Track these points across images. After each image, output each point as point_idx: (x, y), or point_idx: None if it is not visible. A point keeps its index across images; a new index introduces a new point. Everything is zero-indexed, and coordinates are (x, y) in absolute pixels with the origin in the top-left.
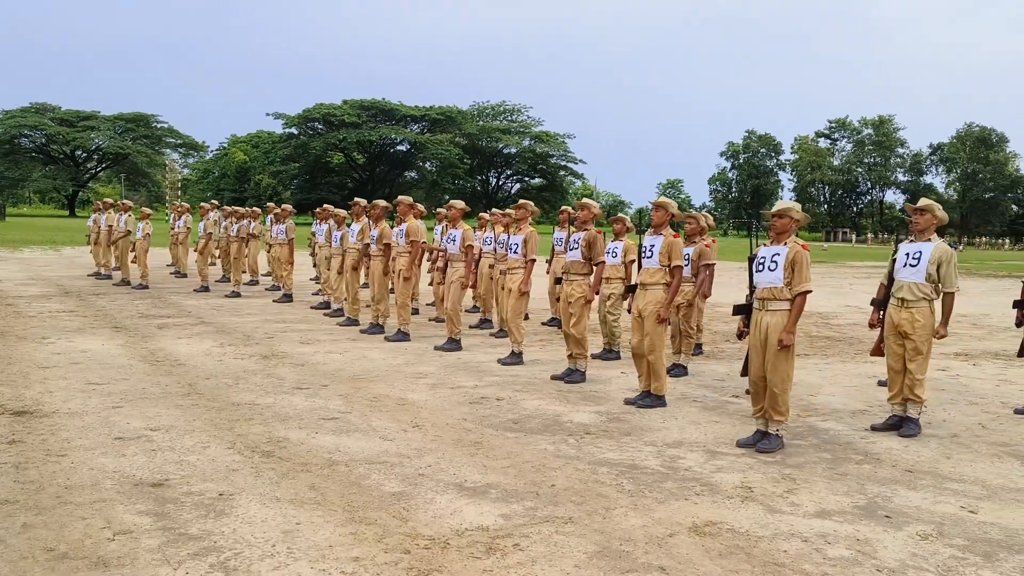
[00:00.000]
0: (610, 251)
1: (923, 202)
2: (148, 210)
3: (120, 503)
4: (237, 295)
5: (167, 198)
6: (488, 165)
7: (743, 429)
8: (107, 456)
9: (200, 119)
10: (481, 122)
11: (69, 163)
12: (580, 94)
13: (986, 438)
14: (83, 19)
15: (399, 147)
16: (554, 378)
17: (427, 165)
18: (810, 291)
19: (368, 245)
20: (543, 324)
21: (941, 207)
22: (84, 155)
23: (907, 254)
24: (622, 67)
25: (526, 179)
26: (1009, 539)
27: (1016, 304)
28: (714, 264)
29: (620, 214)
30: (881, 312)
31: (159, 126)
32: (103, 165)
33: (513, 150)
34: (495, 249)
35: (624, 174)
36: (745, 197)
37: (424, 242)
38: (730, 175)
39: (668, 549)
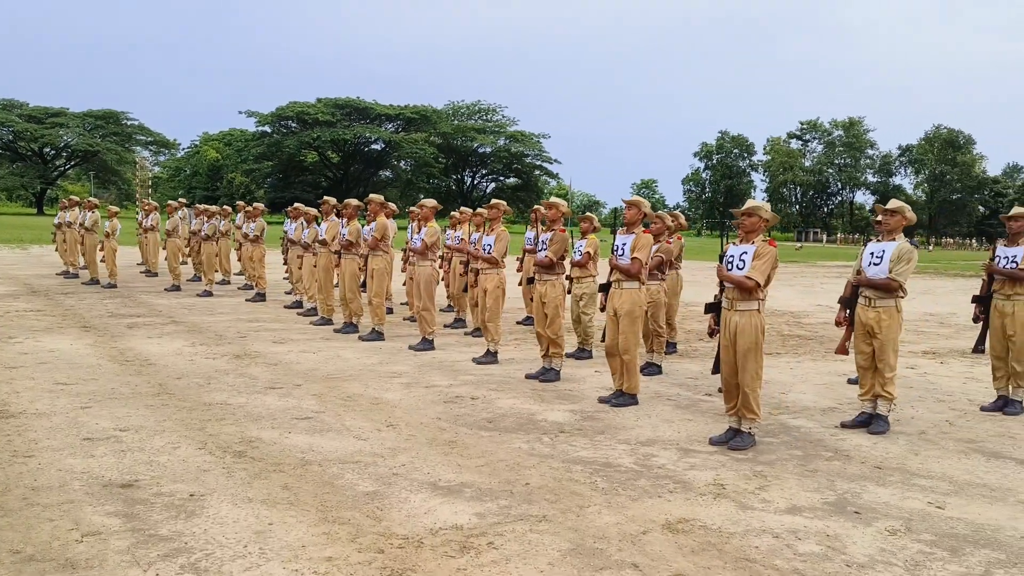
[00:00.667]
0: (577, 250)
1: (894, 203)
2: (115, 208)
3: (88, 504)
4: (209, 294)
5: (137, 196)
6: (463, 164)
7: (716, 427)
8: (75, 457)
9: (171, 117)
10: (456, 121)
11: (37, 160)
12: (555, 94)
13: (953, 435)
14: (51, 15)
15: (373, 146)
16: (529, 377)
17: (402, 164)
18: (757, 282)
19: (324, 243)
20: (518, 323)
21: (911, 208)
22: (52, 152)
23: (872, 253)
24: (598, 68)
25: (501, 178)
26: (975, 534)
27: (975, 299)
28: (673, 258)
29: (588, 213)
30: (848, 311)
31: (129, 123)
32: (72, 162)
33: (488, 149)
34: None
35: (599, 174)
36: (718, 197)
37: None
38: (704, 176)
39: (641, 546)
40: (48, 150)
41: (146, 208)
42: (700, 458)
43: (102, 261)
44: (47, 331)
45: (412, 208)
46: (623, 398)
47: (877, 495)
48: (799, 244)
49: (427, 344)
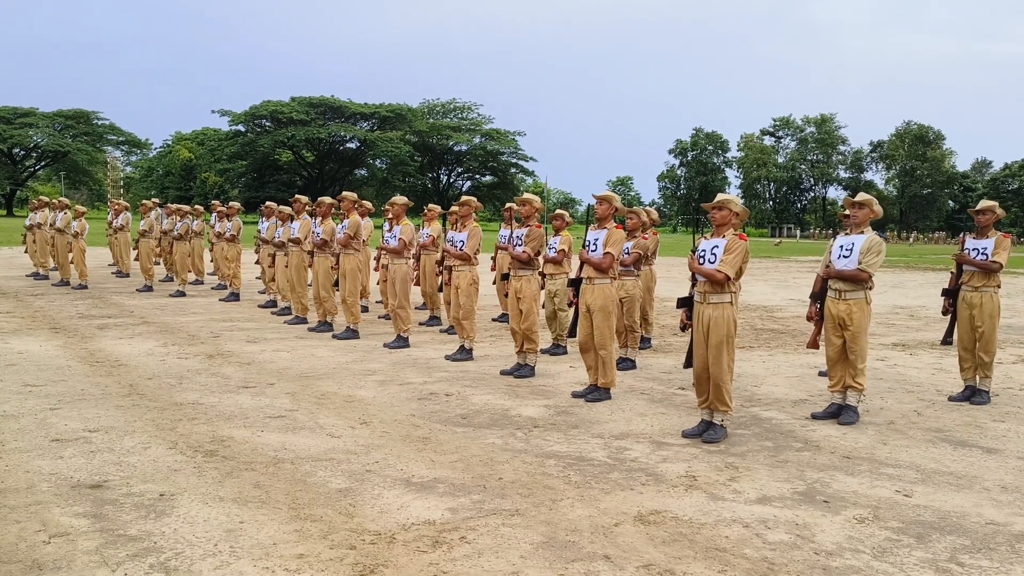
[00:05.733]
0: (551, 247)
1: (861, 196)
2: (81, 208)
3: (56, 505)
4: (182, 294)
5: (108, 196)
6: (439, 163)
7: (689, 420)
8: (43, 458)
9: (143, 116)
10: (431, 119)
11: (6, 161)
12: (531, 92)
13: (921, 424)
14: (18, 13)
15: (349, 145)
16: (503, 373)
17: (377, 163)
18: (728, 276)
19: (297, 241)
20: (493, 320)
21: (878, 202)
22: (22, 153)
23: (841, 246)
24: (573, 66)
25: (477, 176)
26: (941, 521)
27: (944, 292)
28: (648, 254)
29: (559, 210)
30: (818, 305)
31: (100, 123)
32: (42, 163)
33: (464, 148)
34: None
35: (575, 172)
36: (694, 194)
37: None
38: (679, 172)
39: (613, 538)
40: (17, 150)
41: (116, 208)
42: (673, 451)
43: (72, 262)
44: (15, 333)
45: (386, 206)
46: (597, 393)
47: (846, 484)
48: (778, 240)
49: (402, 342)
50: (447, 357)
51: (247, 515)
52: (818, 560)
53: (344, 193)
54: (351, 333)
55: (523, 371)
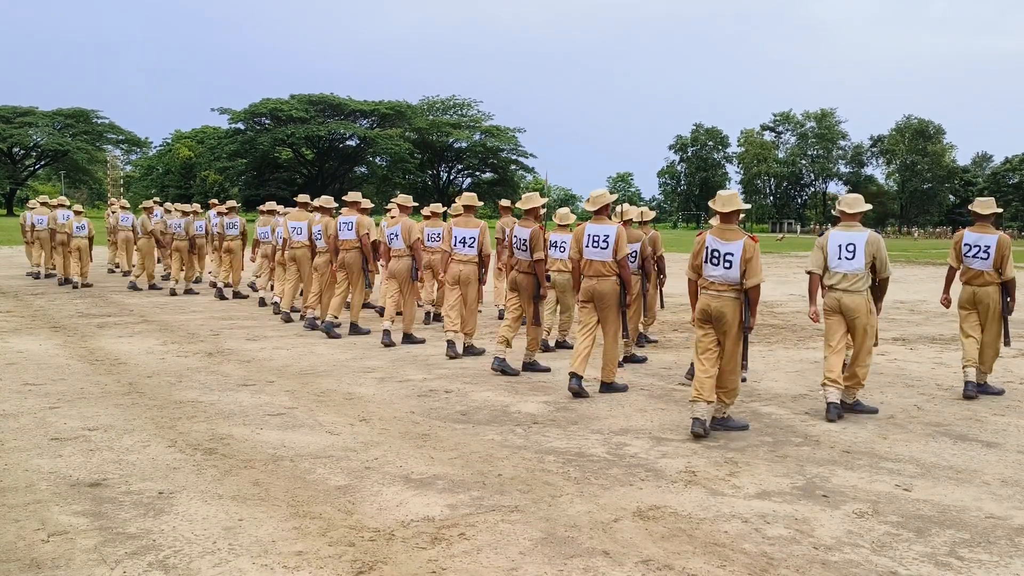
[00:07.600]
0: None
1: (851, 201)
2: (80, 207)
3: (55, 504)
4: (184, 293)
5: (108, 195)
6: (439, 160)
7: (688, 416)
8: (43, 457)
9: (143, 115)
10: (431, 116)
11: (6, 160)
12: (531, 89)
13: (921, 419)
14: (18, 12)
15: (349, 142)
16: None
17: (377, 160)
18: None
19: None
20: (499, 318)
21: (863, 199)
22: (22, 152)
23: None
24: (574, 62)
25: (477, 173)
26: (941, 515)
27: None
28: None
29: (560, 209)
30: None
31: (100, 122)
32: (42, 162)
33: (464, 144)
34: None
35: (575, 168)
36: (694, 190)
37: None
38: (679, 168)
39: (612, 534)
40: (17, 150)
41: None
42: (672, 446)
43: (77, 261)
44: (15, 332)
45: (388, 205)
46: (605, 387)
47: (845, 479)
48: (780, 236)
49: (409, 339)
50: (447, 355)
51: (246, 513)
52: (817, 554)
53: (350, 194)
54: (355, 330)
55: (506, 366)
